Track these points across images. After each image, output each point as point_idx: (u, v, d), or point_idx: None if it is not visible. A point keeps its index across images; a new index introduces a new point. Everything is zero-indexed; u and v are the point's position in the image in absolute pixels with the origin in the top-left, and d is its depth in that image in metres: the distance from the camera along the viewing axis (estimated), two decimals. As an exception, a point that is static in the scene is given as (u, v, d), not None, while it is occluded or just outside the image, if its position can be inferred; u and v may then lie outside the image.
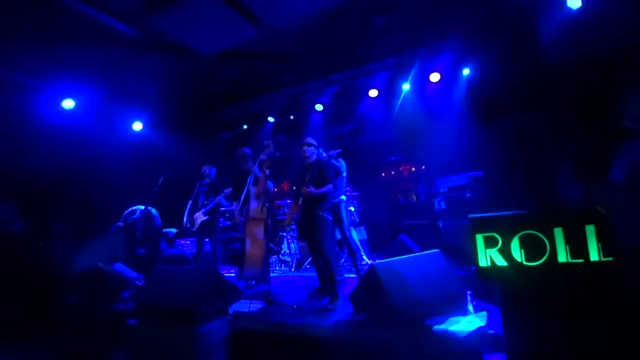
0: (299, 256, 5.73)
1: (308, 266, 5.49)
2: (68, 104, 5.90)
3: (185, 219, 5.03)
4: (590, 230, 2.10)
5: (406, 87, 7.06)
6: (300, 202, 3.78)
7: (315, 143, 3.98)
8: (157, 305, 3.09)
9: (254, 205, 4.20)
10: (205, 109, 8.10)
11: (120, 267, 4.54)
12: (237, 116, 8.36)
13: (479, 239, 2.37)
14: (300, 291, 4.25)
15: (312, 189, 3.56)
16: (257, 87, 7.41)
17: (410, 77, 6.78)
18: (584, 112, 2.66)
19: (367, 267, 5.13)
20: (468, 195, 4.99)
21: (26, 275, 4.68)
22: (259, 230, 4.18)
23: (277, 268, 5.74)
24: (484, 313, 2.59)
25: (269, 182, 4.35)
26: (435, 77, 6.72)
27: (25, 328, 4.10)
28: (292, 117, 8.29)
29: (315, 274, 3.90)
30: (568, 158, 2.61)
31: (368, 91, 7.24)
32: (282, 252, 5.88)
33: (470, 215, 2.45)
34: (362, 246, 5.39)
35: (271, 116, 8.36)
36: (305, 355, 2.75)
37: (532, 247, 2.25)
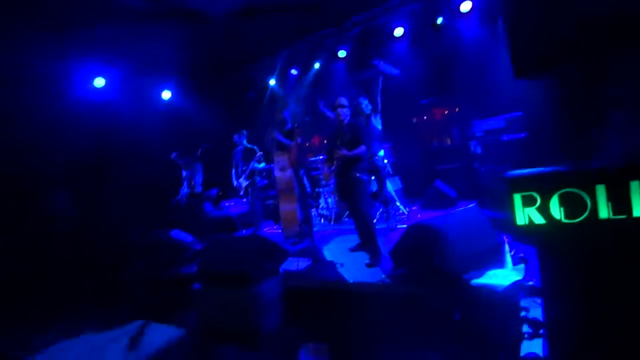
0: (337, 209, 5.97)
1: (346, 219, 5.73)
2: (99, 82, 6.12)
3: (235, 184, 5.39)
4: (635, 187, 2.05)
5: (438, 21, 6.60)
6: (334, 164, 3.85)
7: (348, 103, 3.94)
8: (216, 270, 3.45)
9: (282, 173, 4.40)
10: (229, 69, 8.08)
11: (176, 233, 4.99)
12: (261, 73, 8.29)
13: (517, 198, 2.37)
14: (341, 245, 4.52)
15: (345, 152, 3.61)
16: (276, 40, 7.23)
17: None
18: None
19: (404, 217, 5.31)
20: (506, 139, 4.83)
21: (91, 249, 5.27)
22: (291, 195, 4.44)
23: (317, 222, 6.04)
24: (522, 266, 2.69)
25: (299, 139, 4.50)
26: (466, 6, 6.20)
27: (97, 294, 4.68)
28: (316, 67, 8.11)
29: (354, 227, 4.09)
30: (615, 110, 2.43)
31: (393, 30, 6.85)
32: (321, 206, 6.14)
33: (506, 174, 2.44)
34: (397, 196, 5.50)
35: (295, 68, 8.22)
36: (351, 310, 3.02)
37: (572, 205, 2.24)
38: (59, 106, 5.81)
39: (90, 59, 5.94)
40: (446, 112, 6.72)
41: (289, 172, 4.57)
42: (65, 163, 5.86)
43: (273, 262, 3.48)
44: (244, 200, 5.89)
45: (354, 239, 4.21)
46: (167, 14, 5.18)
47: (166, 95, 7.41)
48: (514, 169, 3.95)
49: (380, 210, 5.43)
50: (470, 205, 3.26)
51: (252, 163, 5.27)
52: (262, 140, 5.29)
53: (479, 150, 5.32)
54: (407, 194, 6.19)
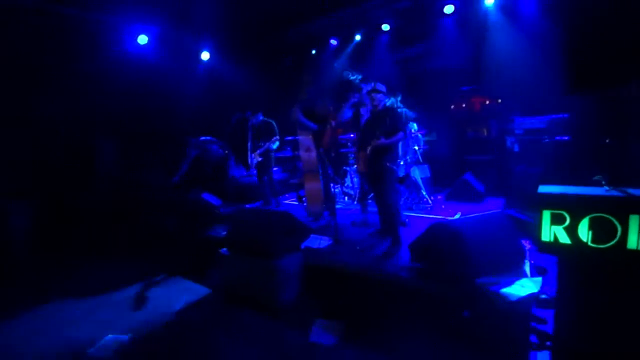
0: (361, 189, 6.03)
1: (370, 200, 5.80)
2: (142, 39, 6.25)
3: (249, 159, 5.57)
4: (672, 223, 2.02)
5: (489, 1, 6.21)
6: (368, 150, 3.77)
7: (384, 89, 3.86)
8: (243, 240, 3.67)
9: (307, 154, 4.49)
10: (268, 32, 7.98)
11: (207, 195, 5.25)
12: (300, 39, 8.16)
13: (546, 214, 2.38)
14: (362, 229, 4.64)
15: (382, 140, 3.58)
16: (317, 6, 7.02)
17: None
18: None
19: (428, 206, 5.34)
20: (546, 140, 4.66)
21: (127, 203, 5.62)
22: (316, 175, 4.55)
23: (341, 200, 6.16)
24: (539, 279, 2.73)
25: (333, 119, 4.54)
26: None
27: (132, 245, 5.05)
28: (357, 39, 7.89)
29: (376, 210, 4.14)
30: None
31: (442, 8, 6.51)
32: (346, 185, 6.22)
33: (539, 190, 2.42)
34: (424, 184, 5.50)
35: (334, 38, 8.03)
36: (366, 295, 3.19)
37: (601, 230, 2.23)
38: (108, 58, 6.01)
39: (135, 15, 6.05)
40: (487, 102, 6.47)
41: (314, 153, 4.66)
42: (113, 114, 6.14)
43: (296, 238, 3.66)
44: (253, 175, 6.06)
45: (375, 219, 4.26)
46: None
47: (205, 56, 7.48)
48: (549, 175, 3.91)
49: (405, 196, 5.46)
50: (497, 212, 3.26)
51: (268, 143, 5.38)
52: (289, 114, 5.30)
53: (516, 148, 5.18)
54: (435, 182, 6.16)
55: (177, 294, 3.73)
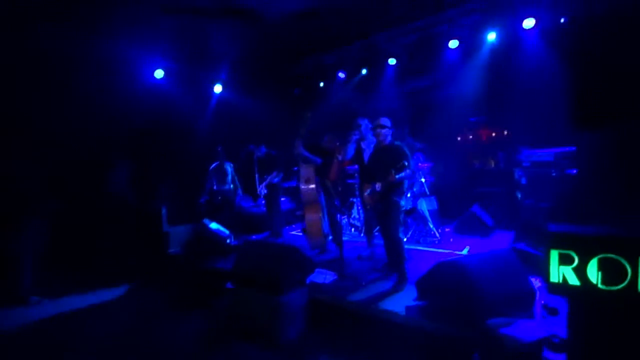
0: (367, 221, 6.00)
1: (377, 233, 5.77)
2: (159, 73, 6.55)
3: (258, 190, 5.65)
4: (683, 266, 1.97)
5: (491, 37, 6.36)
6: (377, 187, 3.75)
7: (389, 124, 3.89)
8: (249, 274, 3.66)
9: (306, 185, 4.55)
10: (277, 65, 8.29)
11: (216, 226, 5.29)
12: (308, 71, 8.44)
13: (554, 254, 2.34)
14: (368, 262, 4.59)
15: (394, 177, 3.55)
16: (326, 41, 7.32)
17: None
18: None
19: (435, 240, 5.28)
20: (553, 174, 4.64)
21: (137, 228, 5.69)
22: (316, 206, 4.58)
23: (347, 232, 6.14)
24: (551, 320, 2.65)
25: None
26: (529, 22, 5.90)
27: (138, 274, 5.03)
28: (364, 72, 8.11)
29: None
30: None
31: (447, 42, 6.69)
32: (352, 216, 6.22)
33: (548, 229, 2.39)
34: (431, 217, 5.46)
35: (343, 72, 8.27)
36: (369, 332, 3.12)
37: (611, 272, 2.18)
38: (125, 90, 6.29)
39: (153, 50, 6.39)
40: (494, 134, 6.51)
41: (313, 184, 4.71)
42: (127, 142, 6.34)
43: (301, 273, 3.64)
44: (261, 205, 6.12)
45: (381, 254, 4.24)
46: (227, 12, 5.44)
47: (218, 89, 7.75)
48: (558, 210, 3.86)
49: (413, 229, 5.42)
50: (505, 249, 3.21)
51: (270, 177, 5.55)
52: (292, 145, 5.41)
53: (523, 181, 5.15)
54: (443, 214, 6.11)
55: (180, 325, 3.70)
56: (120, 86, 6.17)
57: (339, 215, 4.50)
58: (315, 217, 4.83)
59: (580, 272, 2.26)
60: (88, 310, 4.15)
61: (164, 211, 5.92)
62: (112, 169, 6.24)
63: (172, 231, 5.52)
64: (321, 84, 8.68)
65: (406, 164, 3.62)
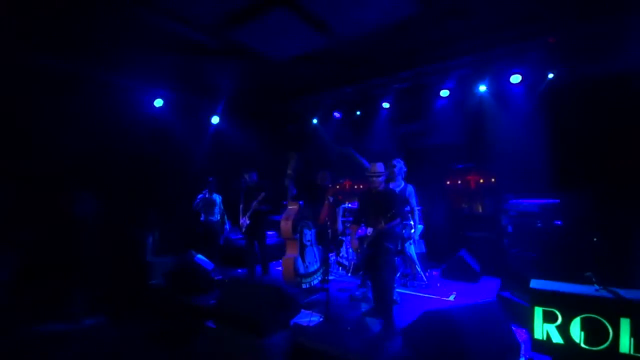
0: (355, 261, 5.97)
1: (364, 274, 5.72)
2: (158, 102, 6.67)
3: (240, 221, 5.49)
4: (662, 330, 2.01)
5: (482, 88, 6.68)
6: (371, 233, 3.77)
7: (383, 170, 3.94)
8: (231, 312, 3.57)
9: (285, 222, 4.58)
10: (275, 102, 8.52)
11: (200, 258, 5.19)
12: (304, 110, 8.68)
13: (538, 311, 2.36)
14: (355, 304, 4.51)
15: (385, 225, 3.58)
16: (324, 83, 7.60)
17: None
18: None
19: (423, 284, 5.25)
20: (539, 225, 4.73)
21: (118, 258, 5.50)
22: (291, 244, 4.57)
23: (335, 271, 6.07)
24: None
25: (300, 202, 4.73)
26: (516, 78, 6.27)
27: (116, 306, 4.83)
28: (358, 113, 8.37)
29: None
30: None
31: (439, 91, 7.00)
32: (341, 255, 6.18)
33: (532, 286, 2.42)
34: (418, 260, 5.45)
35: (338, 112, 8.52)
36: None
37: (593, 331, 2.20)
38: (125, 117, 6.34)
39: (154, 81, 6.54)
40: (481, 181, 6.67)
41: (290, 222, 4.69)
42: (123, 168, 6.28)
43: (285, 315, 3.57)
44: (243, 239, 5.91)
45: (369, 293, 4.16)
46: (230, 52, 5.65)
47: (215, 120, 7.89)
48: (543, 262, 3.92)
49: (399, 273, 5.39)
50: (489, 301, 3.22)
51: (254, 202, 5.32)
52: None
53: (509, 229, 5.22)
54: (430, 257, 6.10)
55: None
56: (118, 112, 6.24)
57: (328, 254, 4.48)
58: (289, 257, 4.77)
59: (564, 330, 2.27)
60: (56, 343, 3.94)
61: (149, 240, 5.81)
62: (83, 195, 6.11)
63: (156, 261, 5.38)
64: (314, 121, 8.89)
65: (398, 212, 3.66)
